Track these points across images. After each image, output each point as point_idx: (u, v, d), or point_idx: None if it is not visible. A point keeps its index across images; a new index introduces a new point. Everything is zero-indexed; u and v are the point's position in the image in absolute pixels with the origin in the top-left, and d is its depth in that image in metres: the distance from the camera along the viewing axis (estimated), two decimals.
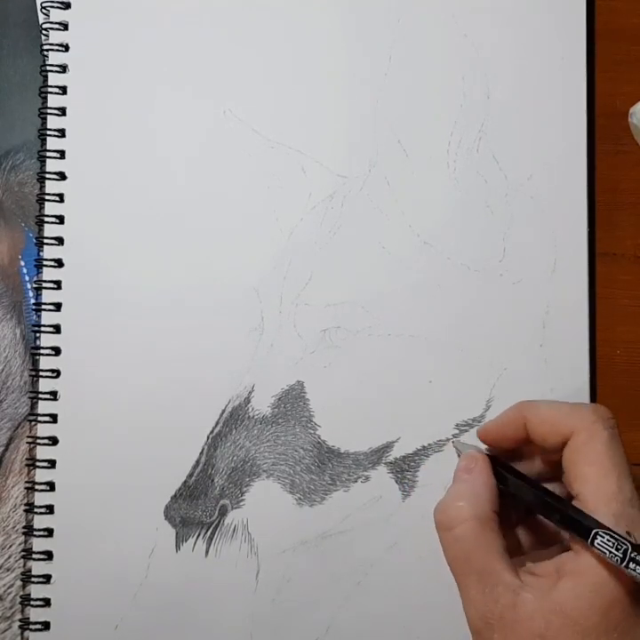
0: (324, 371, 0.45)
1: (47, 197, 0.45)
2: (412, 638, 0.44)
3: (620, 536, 0.33)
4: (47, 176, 0.45)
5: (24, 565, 0.44)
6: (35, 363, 0.45)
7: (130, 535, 0.44)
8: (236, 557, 0.44)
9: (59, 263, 0.45)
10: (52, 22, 0.46)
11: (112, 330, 0.45)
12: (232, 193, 0.46)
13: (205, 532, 0.44)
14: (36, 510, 0.44)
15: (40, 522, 0.44)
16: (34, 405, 0.44)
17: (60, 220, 0.45)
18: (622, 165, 0.47)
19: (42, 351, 0.44)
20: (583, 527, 0.34)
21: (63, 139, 0.45)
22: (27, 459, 0.44)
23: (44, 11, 0.46)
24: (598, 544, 0.33)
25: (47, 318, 0.45)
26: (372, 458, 0.45)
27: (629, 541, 0.33)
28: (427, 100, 0.46)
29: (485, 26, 0.47)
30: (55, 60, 0.46)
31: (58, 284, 0.45)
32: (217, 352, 0.45)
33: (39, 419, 0.44)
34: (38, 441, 0.44)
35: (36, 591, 0.44)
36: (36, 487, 0.44)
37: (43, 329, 0.44)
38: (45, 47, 0.46)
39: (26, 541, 0.44)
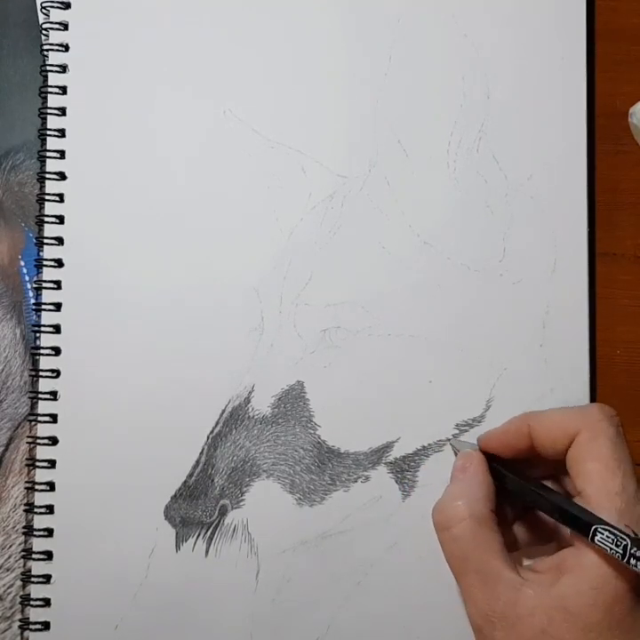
0: (324, 371, 0.45)
1: (47, 197, 0.45)
2: (411, 638, 0.44)
3: (619, 531, 0.33)
4: (47, 176, 0.45)
5: (24, 565, 0.44)
6: (35, 363, 0.45)
7: (130, 535, 0.44)
8: (236, 557, 0.44)
9: (59, 263, 0.45)
10: (51, 22, 0.46)
11: (112, 330, 0.45)
12: (232, 193, 0.46)
13: (205, 532, 0.44)
14: (35, 510, 0.44)
15: (40, 522, 0.44)
16: (34, 405, 0.44)
17: (60, 220, 0.45)
18: (622, 165, 0.47)
19: (42, 351, 0.44)
20: (583, 523, 0.34)
21: (63, 139, 0.45)
22: (27, 459, 0.44)
23: (43, 11, 0.46)
24: (598, 540, 0.33)
25: (47, 318, 0.45)
26: (372, 458, 0.45)
27: (628, 536, 0.33)
28: (427, 99, 0.46)
29: (485, 26, 0.47)
30: (55, 60, 0.46)
31: (58, 284, 0.45)
32: (217, 352, 0.45)
33: (39, 419, 0.44)
34: (38, 441, 0.44)
35: (36, 591, 0.44)
36: (36, 487, 0.44)
37: (43, 329, 0.44)
38: (45, 47, 0.46)
39: (26, 541, 0.44)
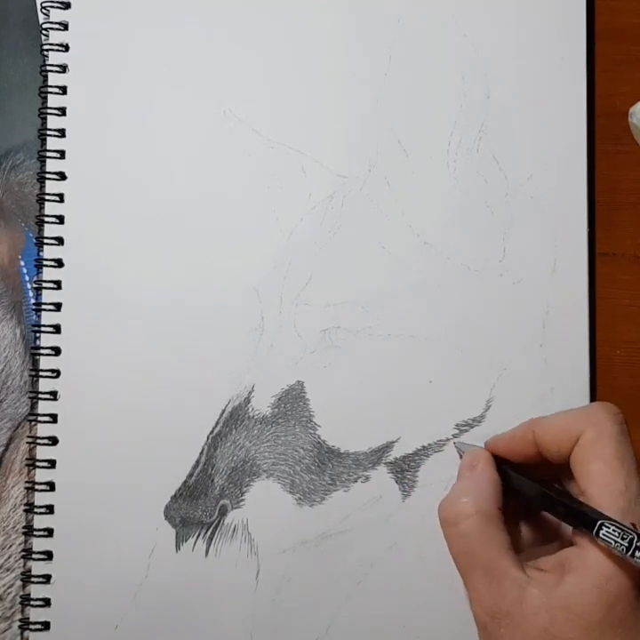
0: (323, 371, 0.45)
1: (47, 197, 0.45)
2: (411, 638, 0.44)
3: (625, 526, 0.33)
4: (47, 176, 0.45)
5: (24, 565, 0.44)
6: (35, 363, 0.45)
7: (130, 535, 0.44)
8: (236, 557, 0.44)
9: (59, 263, 0.45)
10: (51, 22, 0.46)
11: (112, 330, 0.45)
12: (232, 193, 0.46)
13: (205, 532, 0.44)
14: (35, 510, 0.44)
15: (40, 522, 0.44)
16: (34, 405, 0.44)
17: (60, 220, 0.45)
18: (622, 165, 0.47)
19: (42, 351, 0.44)
20: (588, 519, 0.34)
21: (63, 139, 0.45)
22: (27, 459, 0.44)
23: (43, 11, 0.46)
24: (603, 534, 0.33)
25: (47, 318, 0.45)
26: (372, 458, 0.45)
27: (636, 531, 0.33)
28: (427, 99, 0.46)
29: (485, 26, 0.47)
30: (55, 60, 0.46)
31: (58, 284, 0.45)
32: (217, 352, 0.45)
33: (39, 419, 0.44)
34: (38, 441, 0.44)
35: (36, 591, 0.44)
36: (36, 487, 0.44)
37: (43, 329, 0.44)
38: (45, 47, 0.46)
39: (26, 541, 0.44)
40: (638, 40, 0.48)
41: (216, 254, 0.45)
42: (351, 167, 0.46)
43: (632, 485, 0.35)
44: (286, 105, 0.46)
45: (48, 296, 0.45)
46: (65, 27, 0.46)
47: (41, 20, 0.46)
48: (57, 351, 0.44)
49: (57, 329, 0.45)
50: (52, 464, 0.44)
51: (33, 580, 0.44)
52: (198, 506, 0.44)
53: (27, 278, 0.46)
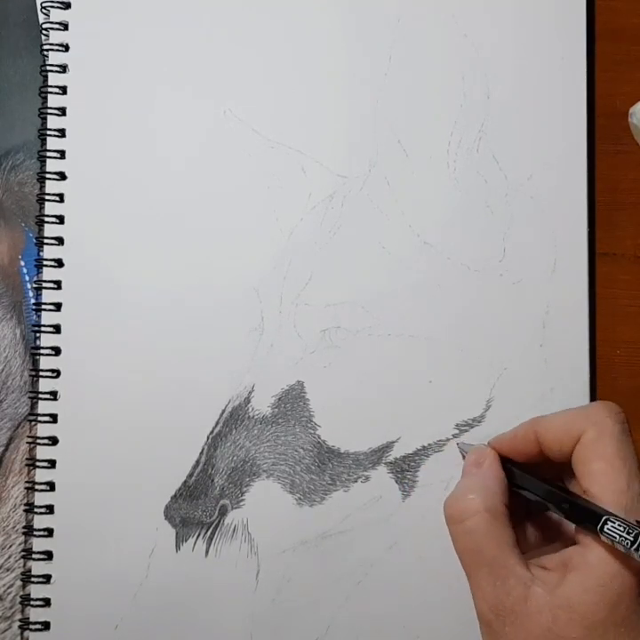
0: (323, 371, 0.45)
1: (47, 197, 0.45)
2: (411, 638, 0.44)
3: (630, 523, 0.33)
4: (47, 176, 0.45)
5: (24, 565, 0.44)
6: (35, 363, 0.45)
7: (130, 535, 0.44)
8: (236, 557, 0.44)
9: (59, 263, 0.45)
10: (52, 22, 0.46)
11: (112, 330, 0.45)
12: (232, 193, 0.46)
13: (205, 532, 0.44)
14: (35, 510, 0.44)
15: (40, 522, 0.44)
16: (34, 405, 0.44)
17: (60, 219, 0.45)
18: (622, 165, 0.47)
19: (42, 351, 0.44)
20: (593, 514, 0.34)
21: (63, 139, 0.45)
22: (27, 459, 0.44)
23: (44, 11, 0.46)
24: (608, 529, 0.33)
25: (47, 318, 0.45)
26: (372, 458, 0.45)
27: None
28: (427, 99, 0.46)
29: (485, 26, 0.47)
30: (55, 60, 0.46)
31: (58, 284, 0.45)
32: (217, 352, 0.45)
33: (39, 419, 0.44)
34: (38, 441, 0.44)
35: (36, 591, 0.44)
36: (36, 487, 0.44)
37: (43, 329, 0.44)
38: (45, 47, 0.46)
39: (26, 541, 0.44)
40: (638, 40, 0.48)
41: (216, 254, 0.45)
42: (351, 167, 0.46)
43: (634, 484, 0.35)
44: (286, 105, 0.46)
45: (48, 296, 0.45)
46: (65, 27, 0.46)
47: (41, 20, 0.46)
48: (57, 351, 0.44)
49: (57, 329, 0.45)
50: (52, 464, 0.44)
51: (33, 580, 0.44)
52: (198, 506, 0.44)
53: (27, 278, 0.46)
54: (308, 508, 0.44)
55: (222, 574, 0.44)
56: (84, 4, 0.46)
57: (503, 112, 0.46)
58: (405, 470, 0.45)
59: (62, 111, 0.45)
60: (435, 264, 0.46)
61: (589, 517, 0.34)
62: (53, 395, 0.44)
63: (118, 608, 0.44)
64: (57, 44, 0.46)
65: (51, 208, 0.45)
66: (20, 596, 0.44)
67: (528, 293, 0.46)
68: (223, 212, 0.45)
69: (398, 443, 0.45)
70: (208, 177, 0.46)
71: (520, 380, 0.45)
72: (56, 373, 0.44)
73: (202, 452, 0.44)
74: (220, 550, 0.44)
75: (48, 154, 0.45)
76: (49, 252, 0.45)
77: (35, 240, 0.45)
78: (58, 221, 0.45)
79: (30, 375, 0.45)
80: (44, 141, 0.45)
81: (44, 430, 0.44)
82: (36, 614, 0.43)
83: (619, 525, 0.33)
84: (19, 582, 0.44)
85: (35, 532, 0.44)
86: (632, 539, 0.33)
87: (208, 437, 0.44)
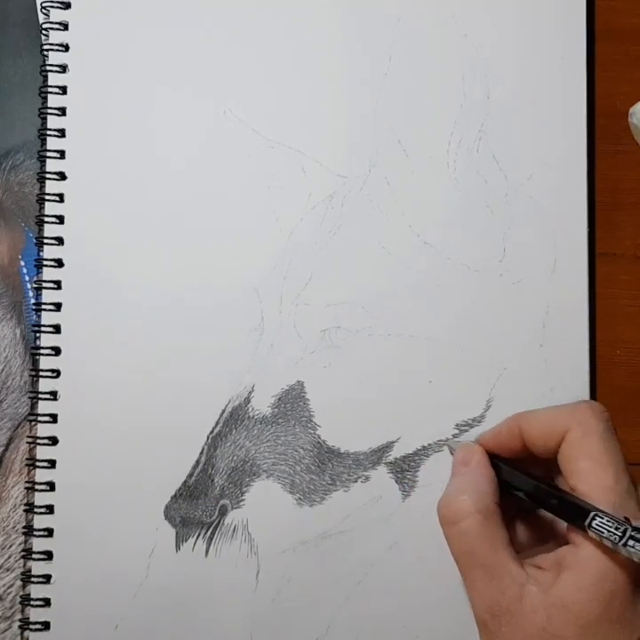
0: (323, 371, 0.45)
1: (47, 197, 0.45)
2: (411, 638, 0.44)
3: (617, 518, 0.33)
4: (47, 176, 0.45)
5: (24, 565, 0.44)
6: (35, 363, 0.45)
7: (130, 535, 0.44)
8: (236, 557, 0.44)
9: (59, 263, 0.45)
10: (51, 22, 0.46)
11: (112, 330, 0.45)
12: (232, 193, 0.46)
13: (205, 532, 0.44)
14: (35, 510, 0.44)
15: (40, 522, 0.44)
16: (34, 405, 0.44)
17: (60, 220, 0.45)
18: (622, 165, 0.47)
19: (42, 351, 0.44)
20: (581, 510, 0.34)
21: (63, 139, 0.45)
22: (27, 459, 0.44)
23: (43, 11, 0.46)
24: (596, 525, 0.33)
25: (47, 318, 0.45)
26: (372, 458, 0.45)
27: (629, 523, 0.33)
28: (427, 100, 0.46)
29: (485, 26, 0.47)
30: (55, 60, 0.46)
31: (58, 284, 0.45)
32: (217, 352, 0.45)
33: (39, 419, 0.44)
34: (38, 441, 0.44)
35: (36, 591, 0.44)
36: (36, 487, 0.44)
37: (43, 329, 0.44)
38: (45, 47, 0.46)
39: (26, 541, 0.44)
40: (638, 40, 0.48)
41: (216, 254, 0.45)
42: (351, 167, 0.46)
43: (622, 481, 0.35)
44: (286, 105, 0.46)
45: (48, 296, 0.45)
46: (65, 27, 0.46)
47: (41, 20, 0.46)
48: (57, 351, 0.44)
49: (57, 329, 0.45)
50: (51, 464, 0.44)
51: (33, 580, 0.44)
52: (198, 506, 0.44)
53: (27, 278, 0.46)
54: (307, 508, 0.44)
55: (222, 574, 0.44)
56: (83, 4, 0.46)
57: (503, 112, 0.46)
58: (405, 470, 0.45)
59: (62, 111, 0.45)
60: (435, 264, 0.46)
61: (577, 513, 0.34)
62: (53, 395, 0.44)
63: (118, 608, 0.44)
64: (57, 44, 0.46)
65: (50, 208, 0.45)
66: (20, 596, 0.44)
67: (528, 293, 0.46)
68: (223, 212, 0.45)
69: (398, 443, 0.45)
70: (208, 177, 0.46)
71: (520, 379, 0.45)
72: (56, 373, 0.44)
73: (202, 452, 0.44)
74: (219, 550, 0.44)
75: (48, 154, 0.45)
76: (49, 252, 0.45)
77: (35, 240, 0.45)
78: (58, 221, 0.45)
79: (30, 375, 0.45)
80: (43, 141, 0.45)
81: (43, 430, 0.44)
82: (35, 614, 0.43)
83: (607, 521, 0.33)
84: (19, 582, 0.44)
85: (35, 532, 0.44)
86: (620, 534, 0.33)
87: (208, 437, 0.44)
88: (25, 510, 0.44)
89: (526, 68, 0.46)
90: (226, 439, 0.44)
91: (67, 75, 0.46)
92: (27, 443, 0.45)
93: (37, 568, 0.44)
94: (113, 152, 0.45)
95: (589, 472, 0.35)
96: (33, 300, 0.45)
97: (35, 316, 0.45)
